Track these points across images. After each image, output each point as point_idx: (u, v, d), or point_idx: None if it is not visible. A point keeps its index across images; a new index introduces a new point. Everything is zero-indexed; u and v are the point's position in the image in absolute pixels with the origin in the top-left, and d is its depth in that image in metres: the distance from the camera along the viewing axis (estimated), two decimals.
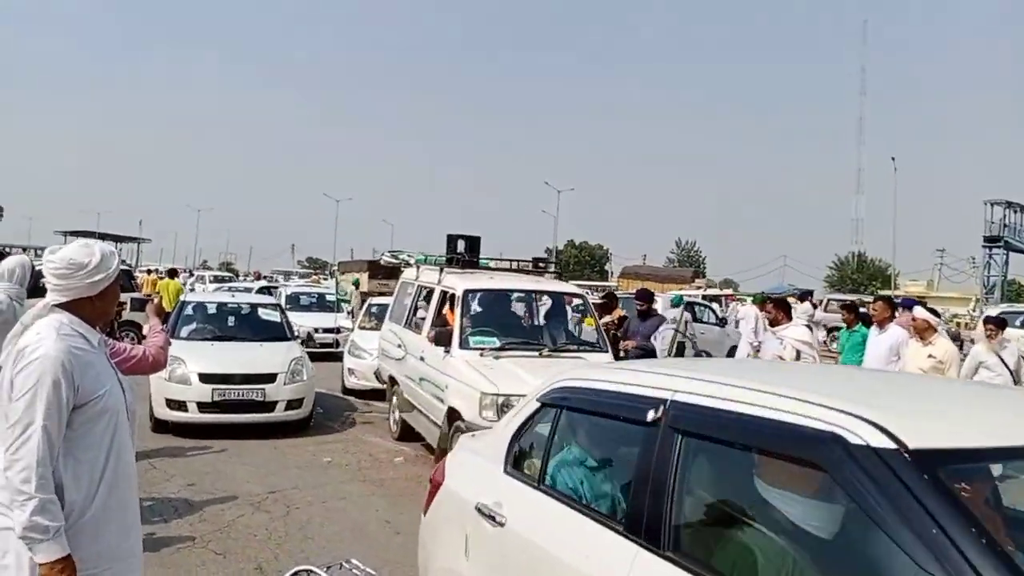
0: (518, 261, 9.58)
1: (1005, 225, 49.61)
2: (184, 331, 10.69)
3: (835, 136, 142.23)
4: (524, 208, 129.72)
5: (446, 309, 8.73)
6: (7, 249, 62.84)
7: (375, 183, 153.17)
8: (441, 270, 8.90)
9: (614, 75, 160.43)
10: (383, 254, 12.11)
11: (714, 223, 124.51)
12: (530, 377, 6.89)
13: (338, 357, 14.47)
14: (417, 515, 6.24)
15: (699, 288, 27.25)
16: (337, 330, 17.78)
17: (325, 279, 60.38)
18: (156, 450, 8.65)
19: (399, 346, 9.45)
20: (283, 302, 20.63)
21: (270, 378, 9.58)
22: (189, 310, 11.21)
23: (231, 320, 11.30)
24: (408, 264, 10.79)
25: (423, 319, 9.20)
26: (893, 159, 52.83)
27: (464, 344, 7.70)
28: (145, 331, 4.11)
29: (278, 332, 11.19)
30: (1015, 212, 50.05)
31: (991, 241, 49.78)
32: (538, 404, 3.36)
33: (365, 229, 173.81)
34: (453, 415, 7.26)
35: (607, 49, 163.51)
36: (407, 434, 9.31)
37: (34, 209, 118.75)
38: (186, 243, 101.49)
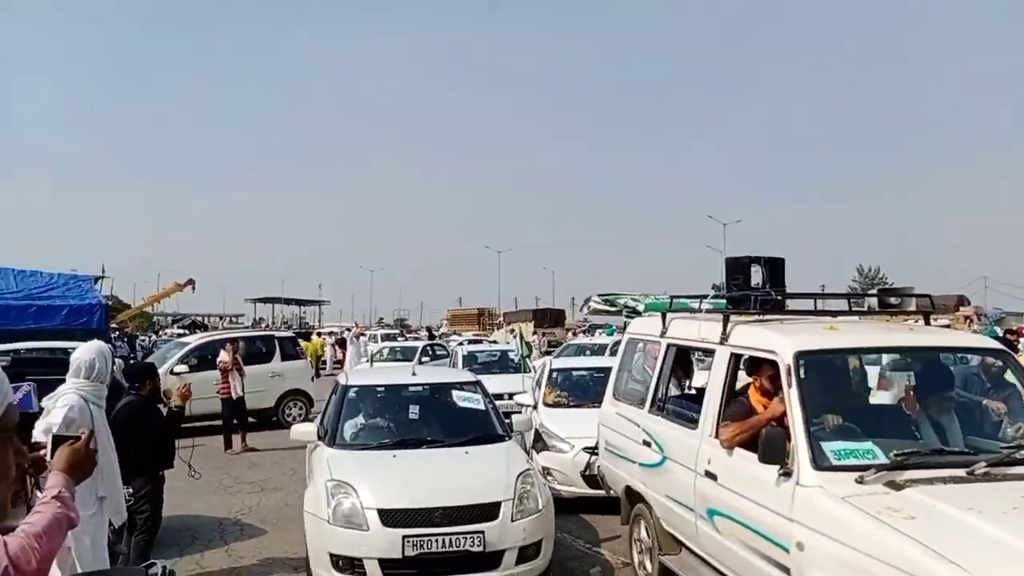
0: (850, 296, 5.71)
1: None
2: (348, 432, 7.35)
3: None
4: (687, 245, 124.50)
5: (748, 387, 5.20)
6: (203, 319, 65.29)
7: (533, 232, 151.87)
8: (726, 319, 5.28)
9: (775, 98, 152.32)
10: (589, 300, 8.66)
11: (893, 244, 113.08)
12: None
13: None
14: None
15: (967, 321, 20.02)
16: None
17: (493, 330, 58.54)
18: None
19: (647, 443, 5.95)
20: (460, 364, 17.85)
21: (490, 511, 5.93)
22: (352, 395, 7.79)
23: (413, 411, 7.63)
24: (634, 311, 7.30)
25: (688, 401, 5.75)
26: None
27: (820, 459, 4.07)
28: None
29: (485, 426, 7.39)
30: None
31: None
32: None
33: (527, 278, 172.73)
34: None
35: (763, 73, 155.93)
36: None
37: (225, 279, 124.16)
38: (362, 303, 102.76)
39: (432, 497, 5.94)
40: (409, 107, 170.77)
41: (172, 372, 14.16)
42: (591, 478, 7.86)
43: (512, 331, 30.68)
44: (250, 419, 13.95)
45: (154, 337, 40.14)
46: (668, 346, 6.07)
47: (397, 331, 50.00)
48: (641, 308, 7.27)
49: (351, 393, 7.86)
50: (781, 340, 4.61)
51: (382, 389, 8.24)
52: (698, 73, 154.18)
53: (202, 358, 14.91)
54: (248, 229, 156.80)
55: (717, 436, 4.91)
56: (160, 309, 70.81)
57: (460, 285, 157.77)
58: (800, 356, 4.42)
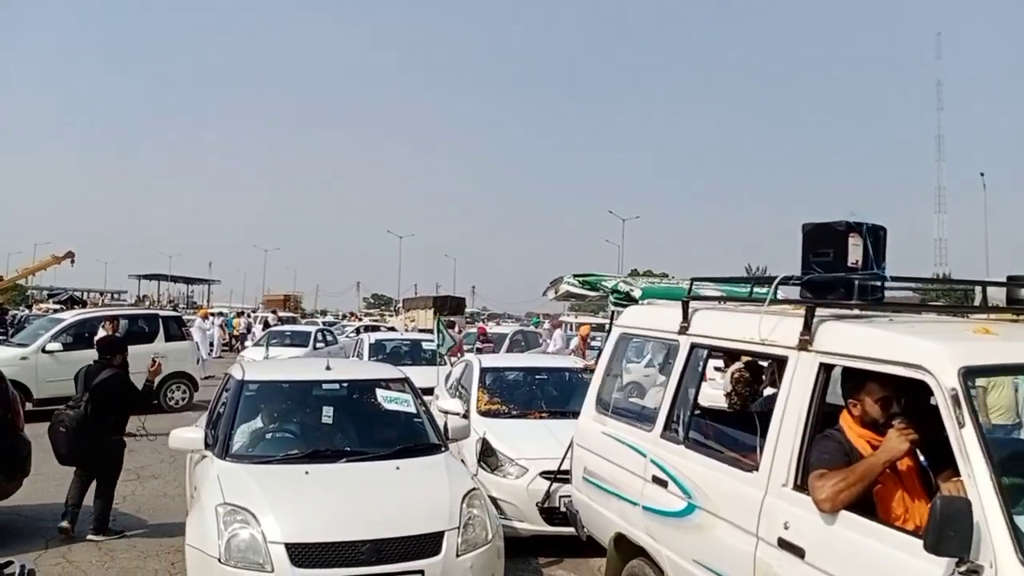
0: (985, 284, 3.92)
1: None
2: (239, 443, 5.57)
3: (913, 154, 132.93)
4: (585, 239, 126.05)
5: (847, 413, 3.42)
6: (82, 295, 60.45)
7: (437, 218, 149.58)
8: (811, 313, 3.43)
9: (675, 100, 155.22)
10: (559, 281, 6.73)
11: (781, 246, 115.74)
12: None
13: None
14: None
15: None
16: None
17: (391, 316, 56.10)
18: None
19: (659, 481, 4.22)
20: (366, 354, 15.82)
21: (431, 544, 4.66)
22: (250, 393, 5.99)
23: (327, 414, 5.90)
24: (626, 297, 5.61)
25: (735, 428, 4.15)
26: (982, 175, 47.51)
27: None
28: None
29: (418, 434, 5.96)
30: None
31: None
32: None
33: (428, 264, 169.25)
34: None
35: (671, 74, 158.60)
36: None
37: (108, 253, 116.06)
38: (255, 283, 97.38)
39: (356, 527, 4.62)
40: (316, 83, 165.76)
41: (44, 350, 12.91)
42: (550, 511, 6.18)
43: (412, 319, 28.70)
44: None
45: (27, 311, 36.13)
46: (693, 348, 4.34)
47: (291, 315, 47.13)
48: (637, 294, 5.50)
49: (248, 390, 6.05)
50: (932, 348, 2.90)
51: (288, 386, 6.43)
52: (625, 79, 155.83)
53: (78, 336, 13.45)
54: (136, 202, 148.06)
55: (801, 488, 3.29)
56: (35, 283, 65.29)
57: (359, 269, 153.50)
58: (968, 375, 2.77)
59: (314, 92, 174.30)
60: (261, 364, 9.87)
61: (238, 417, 5.76)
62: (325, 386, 6.28)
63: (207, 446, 5.56)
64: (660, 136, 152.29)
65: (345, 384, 6.42)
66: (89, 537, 6.55)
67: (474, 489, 5.17)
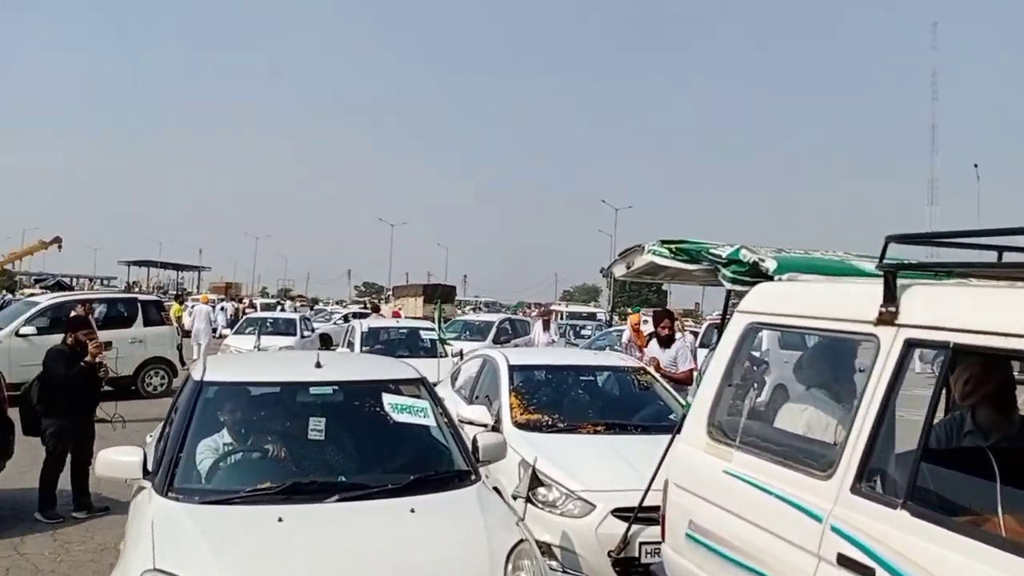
0: None
1: None
2: (187, 471, 3.85)
3: (906, 146, 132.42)
4: (577, 230, 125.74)
5: None
6: (70, 280, 58.56)
7: (429, 208, 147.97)
8: None
9: (671, 92, 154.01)
10: (640, 251, 4.67)
11: (777, 238, 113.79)
12: None
13: None
14: None
15: None
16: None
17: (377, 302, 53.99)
18: None
19: (856, 567, 2.48)
20: (358, 345, 13.93)
21: None
22: (210, 398, 4.26)
23: (315, 428, 4.13)
24: (750, 270, 3.77)
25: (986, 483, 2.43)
26: (976, 166, 47.70)
27: None
28: None
29: (440, 457, 4.28)
30: None
31: None
32: None
33: (419, 253, 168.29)
34: None
35: (663, 68, 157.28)
36: None
37: (97, 239, 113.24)
38: (246, 270, 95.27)
39: None
40: (311, 70, 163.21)
41: (18, 334, 12.56)
42: (626, 562, 4.40)
43: (439, 310, 26.70)
44: (105, 387, 11.26)
45: (8, 296, 34.53)
46: (910, 347, 2.62)
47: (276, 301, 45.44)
48: (770, 265, 3.61)
49: (207, 395, 4.28)
50: None
51: (263, 390, 4.63)
52: (621, 72, 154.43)
53: (54, 320, 12.78)
54: (127, 190, 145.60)
55: None
56: (25, 268, 63.35)
57: (350, 257, 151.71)
58: None
59: (309, 80, 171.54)
60: (232, 359, 8.02)
61: (190, 434, 3.99)
62: (314, 390, 4.45)
63: (146, 474, 3.83)
64: (658, 127, 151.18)
65: (341, 387, 4.59)
66: (36, 516, 6.33)
67: (522, 541, 3.51)
